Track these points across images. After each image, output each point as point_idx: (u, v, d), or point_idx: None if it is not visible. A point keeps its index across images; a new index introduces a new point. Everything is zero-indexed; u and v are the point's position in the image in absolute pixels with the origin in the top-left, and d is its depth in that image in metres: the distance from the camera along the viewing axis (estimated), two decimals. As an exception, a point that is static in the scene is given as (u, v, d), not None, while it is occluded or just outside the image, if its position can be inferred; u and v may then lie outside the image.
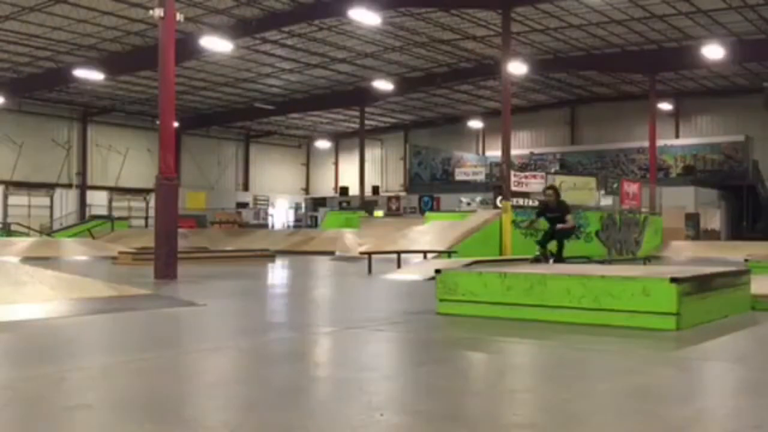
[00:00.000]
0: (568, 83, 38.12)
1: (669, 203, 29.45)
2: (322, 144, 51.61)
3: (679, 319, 6.61)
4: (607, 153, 40.47)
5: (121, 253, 19.01)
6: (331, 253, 24.70)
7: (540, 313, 7.18)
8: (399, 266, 15.42)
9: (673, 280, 6.68)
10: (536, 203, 24.18)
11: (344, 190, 46.07)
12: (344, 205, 42.60)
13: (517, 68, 28.16)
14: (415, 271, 13.87)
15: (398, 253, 16.52)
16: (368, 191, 42.28)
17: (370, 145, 45.23)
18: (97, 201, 41.40)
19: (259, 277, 15.34)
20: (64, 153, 40.14)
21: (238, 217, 42.30)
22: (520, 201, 23.73)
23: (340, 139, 50.98)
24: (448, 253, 17.96)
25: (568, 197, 24.33)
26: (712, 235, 32.64)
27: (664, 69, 32.03)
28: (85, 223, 37.36)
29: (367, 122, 41.10)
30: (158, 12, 13.53)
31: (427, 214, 28.78)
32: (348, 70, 34.75)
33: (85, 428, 3.70)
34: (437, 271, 8.18)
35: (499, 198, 23.86)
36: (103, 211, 40.09)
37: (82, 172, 40.93)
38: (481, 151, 46.34)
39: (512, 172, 24.00)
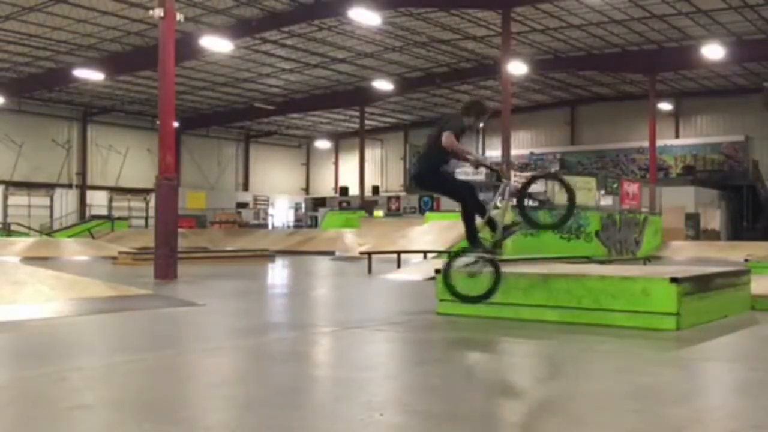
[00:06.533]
0: (568, 83, 38.12)
1: (669, 203, 29.42)
2: (322, 144, 51.61)
3: (679, 319, 6.61)
4: (607, 153, 40.47)
5: (121, 253, 19.00)
6: (331, 253, 24.69)
7: (540, 313, 7.18)
8: (399, 266, 15.42)
9: (673, 280, 6.68)
10: (536, 203, 24.18)
11: (344, 190, 46.07)
12: (344, 205, 42.60)
13: (517, 68, 28.16)
14: (415, 271, 13.86)
15: (398, 253, 16.52)
16: (368, 191, 42.29)
17: (370, 145, 45.24)
18: (97, 201, 41.40)
19: (259, 277, 15.33)
20: (64, 153, 40.14)
21: (238, 217, 42.30)
22: (520, 201, 23.68)
23: (340, 139, 50.97)
24: (448, 253, 17.94)
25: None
26: (712, 235, 32.62)
27: (664, 69, 32.03)
28: (85, 223, 37.38)
29: (367, 122, 41.11)
30: (158, 12, 13.53)
31: (427, 214, 28.77)
32: (348, 70, 34.75)
33: (85, 428, 3.70)
34: (437, 271, 8.17)
35: (500, 198, 23.82)
36: (103, 211, 40.10)
37: (82, 172, 40.93)
38: (481, 151, 46.34)
39: (512, 172, 23.99)
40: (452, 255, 7.11)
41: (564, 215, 7.33)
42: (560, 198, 7.31)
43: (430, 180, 7.07)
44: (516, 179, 7.38)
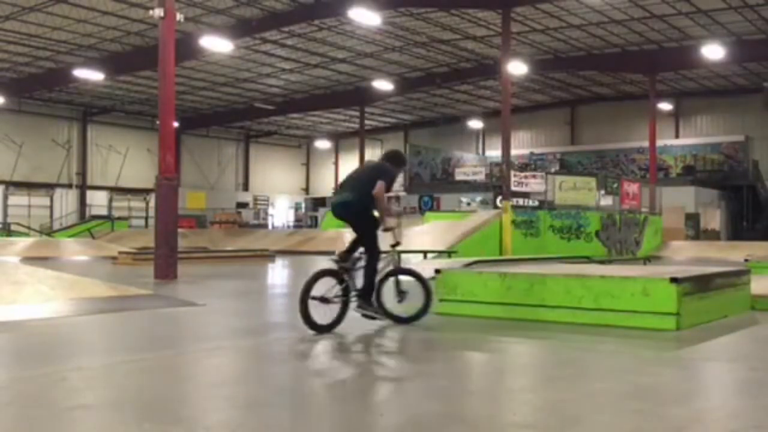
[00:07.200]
0: (568, 83, 38.09)
1: (669, 203, 29.42)
2: (322, 144, 51.60)
3: (679, 319, 6.61)
4: (607, 153, 40.45)
5: (121, 253, 19.00)
6: (331, 253, 24.59)
7: (540, 313, 7.18)
8: (399, 266, 15.40)
9: (673, 280, 6.68)
10: (536, 203, 24.19)
11: (344, 190, 46.01)
12: (344, 205, 42.51)
13: (517, 68, 28.14)
14: (415, 271, 13.84)
15: (398, 253, 16.50)
16: (368, 191, 42.26)
17: (370, 145, 45.19)
18: (97, 201, 41.38)
19: (259, 277, 15.33)
20: (64, 153, 40.12)
21: (238, 217, 42.29)
22: (520, 201, 23.72)
23: (340, 139, 50.94)
24: (448, 252, 17.95)
25: (567, 197, 24.47)
26: (712, 235, 32.62)
27: (664, 69, 32.00)
28: (85, 223, 37.36)
29: (367, 122, 41.08)
30: (158, 12, 13.53)
31: (427, 214, 28.77)
32: (348, 70, 34.74)
33: (85, 428, 3.70)
34: (437, 271, 8.20)
35: (499, 198, 23.84)
36: (103, 211, 40.09)
37: (82, 172, 40.91)
38: (481, 151, 46.33)
39: (512, 172, 24.00)
40: (315, 276, 6.62)
41: (418, 311, 7.06)
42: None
43: (355, 215, 7.02)
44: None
